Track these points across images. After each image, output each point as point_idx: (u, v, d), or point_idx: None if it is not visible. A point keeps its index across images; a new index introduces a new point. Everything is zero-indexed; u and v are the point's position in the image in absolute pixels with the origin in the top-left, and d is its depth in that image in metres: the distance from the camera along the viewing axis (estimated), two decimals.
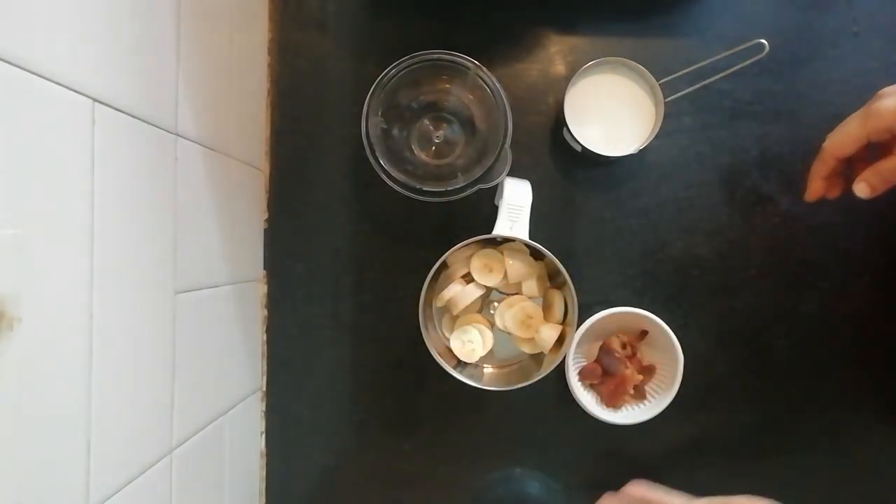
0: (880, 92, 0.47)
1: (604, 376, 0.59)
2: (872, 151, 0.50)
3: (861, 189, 0.50)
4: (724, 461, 0.63)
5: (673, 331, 0.56)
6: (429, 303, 0.57)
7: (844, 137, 0.49)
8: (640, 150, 0.57)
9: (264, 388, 0.63)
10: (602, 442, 0.63)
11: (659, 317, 0.57)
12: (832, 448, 0.63)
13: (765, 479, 0.63)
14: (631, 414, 0.58)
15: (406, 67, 0.52)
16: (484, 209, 0.61)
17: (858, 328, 0.62)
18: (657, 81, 0.57)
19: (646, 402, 0.59)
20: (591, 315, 0.56)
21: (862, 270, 0.62)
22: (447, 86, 0.56)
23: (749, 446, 0.63)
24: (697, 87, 0.58)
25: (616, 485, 0.64)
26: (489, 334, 0.58)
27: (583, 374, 0.59)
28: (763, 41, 0.55)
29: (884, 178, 0.49)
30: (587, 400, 0.58)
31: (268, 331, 0.63)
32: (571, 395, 0.57)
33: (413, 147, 0.58)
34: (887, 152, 0.49)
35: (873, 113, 0.46)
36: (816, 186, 0.53)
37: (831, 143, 0.50)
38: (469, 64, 0.52)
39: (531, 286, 0.57)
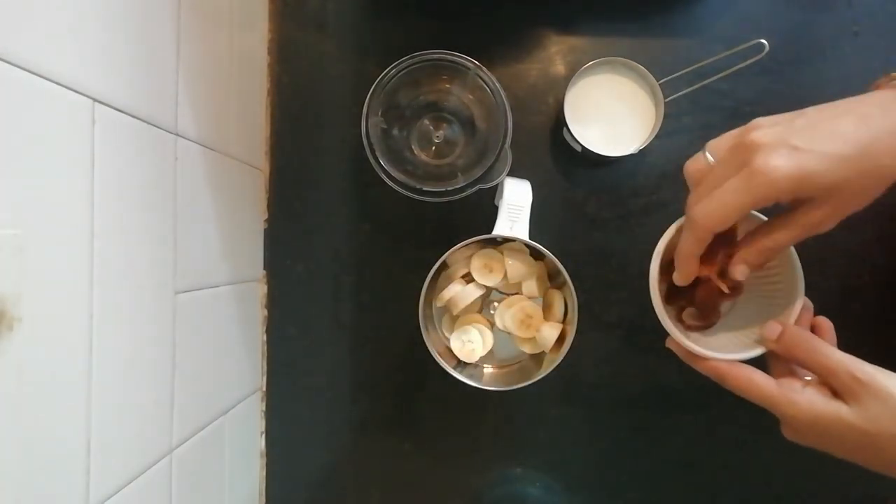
0: (754, 139, 0.35)
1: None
2: None
3: (741, 272, 0.40)
4: (725, 461, 0.63)
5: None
6: (429, 303, 0.57)
7: (724, 209, 0.36)
8: (640, 150, 0.57)
9: (264, 388, 0.63)
10: (602, 442, 0.63)
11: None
12: None
13: (770, 476, 0.63)
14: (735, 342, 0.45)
15: (406, 67, 0.52)
16: (484, 209, 0.61)
17: (858, 328, 0.62)
18: (657, 81, 0.57)
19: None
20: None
21: (862, 270, 0.62)
22: (447, 86, 0.56)
23: (750, 446, 0.63)
24: (697, 87, 0.58)
25: (616, 485, 0.64)
26: (489, 334, 0.58)
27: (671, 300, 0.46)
28: (763, 41, 0.55)
29: (767, 256, 0.39)
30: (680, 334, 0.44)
31: (268, 331, 0.63)
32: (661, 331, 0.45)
33: (413, 147, 0.58)
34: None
35: (759, 181, 0.34)
36: (690, 268, 0.41)
37: (706, 215, 0.37)
38: (469, 64, 0.52)
39: (531, 286, 0.57)
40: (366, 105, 0.52)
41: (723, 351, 0.43)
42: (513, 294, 0.59)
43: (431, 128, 0.58)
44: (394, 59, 0.52)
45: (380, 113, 0.53)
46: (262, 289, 0.63)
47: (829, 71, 0.61)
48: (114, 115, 0.37)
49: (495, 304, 0.59)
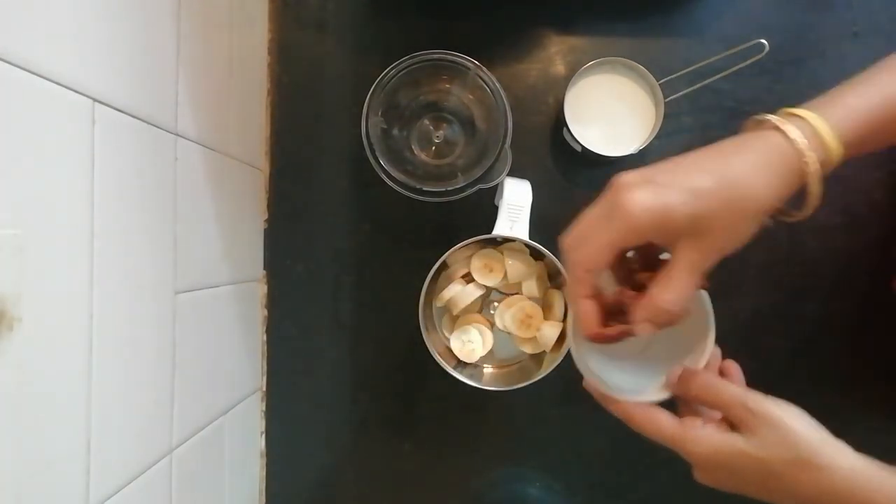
0: (617, 181, 0.35)
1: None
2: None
3: (645, 329, 0.38)
4: None
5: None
6: (429, 303, 0.57)
7: (593, 247, 0.36)
8: (640, 150, 0.57)
9: (264, 388, 0.63)
10: (602, 442, 0.63)
11: None
12: None
13: None
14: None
15: (406, 67, 0.52)
16: (484, 209, 0.61)
17: (858, 328, 0.62)
18: (657, 81, 0.57)
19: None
20: None
21: (862, 270, 0.62)
22: (447, 86, 0.56)
23: None
24: (697, 87, 0.58)
25: (616, 485, 0.64)
26: (489, 334, 0.58)
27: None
28: (763, 41, 0.55)
29: (664, 316, 0.37)
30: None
31: (268, 331, 0.63)
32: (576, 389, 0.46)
33: (413, 147, 0.58)
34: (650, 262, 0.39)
35: (622, 215, 0.34)
36: (588, 318, 0.39)
37: (577, 256, 0.37)
38: (469, 64, 0.52)
39: (531, 286, 0.57)
40: (366, 105, 0.52)
41: (636, 393, 0.44)
42: (513, 294, 0.59)
43: (431, 128, 0.58)
44: (394, 59, 0.52)
45: (380, 113, 0.53)
46: (262, 289, 0.63)
47: (829, 71, 0.61)
48: (114, 115, 0.37)
49: (495, 304, 0.59)
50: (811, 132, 0.35)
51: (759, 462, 0.37)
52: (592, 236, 0.36)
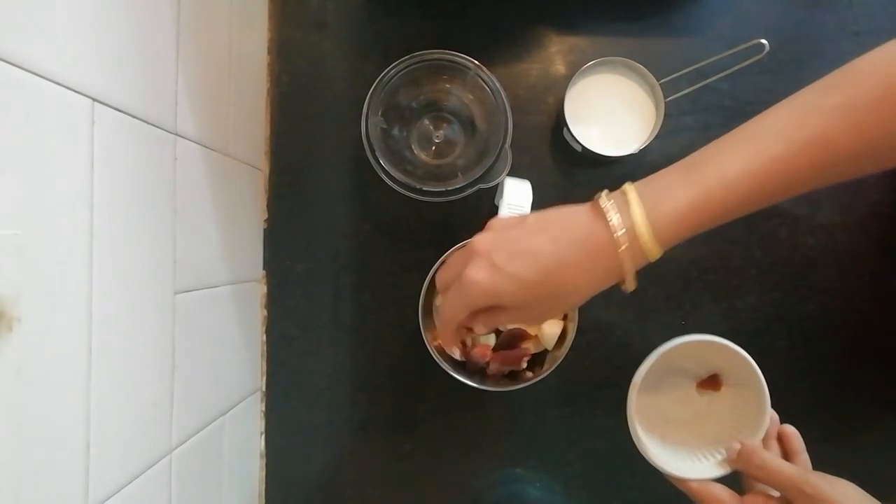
0: (472, 244, 0.41)
1: None
2: None
3: (493, 369, 0.53)
4: None
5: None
6: (429, 303, 0.57)
7: (452, 310, 0.41)
8: (640, 150, 0.57)
9: (264, 389, 0.63)
10: (602, 442, 0.63)
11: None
12: (832, 447, 0.63)
13: None
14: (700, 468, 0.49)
15: (406, 67, 0.52)
16: (484, 209, 0.61)
17: (858, 328, 0.62)
18: (658, 81, 0.57)
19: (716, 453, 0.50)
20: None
21: (862, 270, 0.62)
22: (447, 86, 0.56)
23: None
24: (698, 87, 0.57)
25: (616, 485, 0.64)
26: (490, 334, 0.58)
27: None
28: (763, 41, 0.55)
29: (506, 364, 0.52)
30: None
31: (268, 331, 0.63)
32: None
33: (413, 147, 0.58)
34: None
35: (465, 291, 0.39)
36: (450, 342, 0.52)
37: (443, 314, 0.43)
38: (469, 64, 0.52)
39: None
40: (366, 105, 0.52)
41: (698, 470, 0.48)
42: None
43: (431, 128, 0.58)
44: (394, 59, 0.52)
45: (380, 113, 0.53)
46: (262, 289, 0.63)
47: (829, 71, 0.61)
48: (113, 115, 0.37)
49: None
50: (630, 224, 0.37)
51: None
52: (449, 300, 0.41)
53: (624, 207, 0.37)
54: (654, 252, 0.37)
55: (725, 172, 0.36)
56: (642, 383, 0.48)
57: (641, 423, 0.48)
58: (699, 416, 0.52)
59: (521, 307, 0.40)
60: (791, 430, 0.49)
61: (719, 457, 0.48)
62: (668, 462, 0.48)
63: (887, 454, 0.63)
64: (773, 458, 0.44)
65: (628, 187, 0.39)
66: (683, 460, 0.49)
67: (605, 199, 0.38)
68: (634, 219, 0.37)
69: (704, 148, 0.38)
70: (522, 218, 0.41)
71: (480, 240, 0.41)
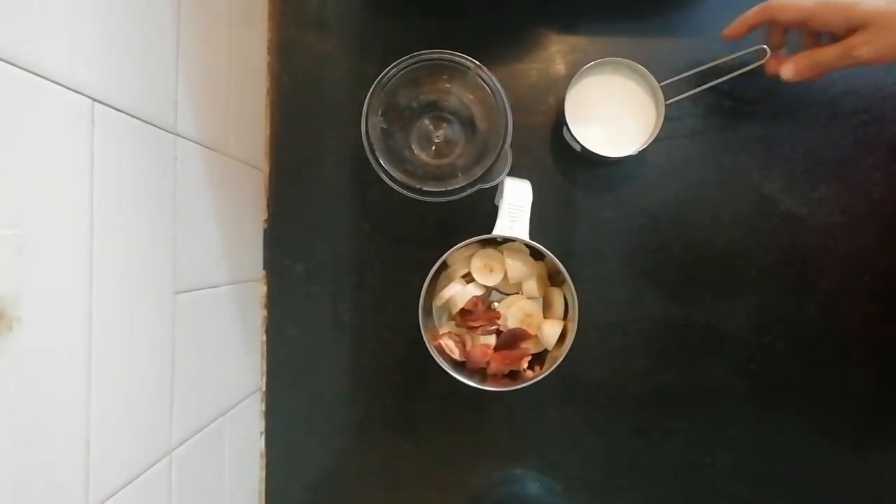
0: None
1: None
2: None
3: (786, 71, 0.51)
4: (725, 461, 0.63)
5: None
6: (429, 303, 0.57)
7: (791, 4, 0.49)
8: (641, 151, 0.57)
9: (264, 389, 0.63)
10: (602, 442, 0.63)
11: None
12: (832, 447, 0.63)
13: (769, 475, 0.63)
14: None
15: (406, 67, 0.52)
16: (484, 209, 0.61)
17: (858, 328, 0.62)
18: (658, 83, 0.57)
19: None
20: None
21: (862, 270, 0.62)
22: (447, 86, 0.56)
23: (749, 446, 0.63)
24: (699, 90, 0.58)
25: (616, 485, 0.64)
26: (490, 334, 0.58)
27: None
28: (765, 47, 0.55)
29: (814, 65, 0.50)
30: None
31: (268, 331, 0.63)
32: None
33: (413, 147, 0.58)
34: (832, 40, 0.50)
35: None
36: (738, 28, 0.54)
37: (778, 3, 0.50)
38: (469, 64, 0.52)
39: (531, 286, 0.57)
40: (366, 105, 0.52)
41: None
42: (513, 294, 0.59)
43: (431, 128, 0.58)
44: (394, 59, 0.52)
45: (380, 113, 0.53)
46: (261, 289, 0.63)
47: (831, 71, 0.61)
48: (113, 115, 0.37)
49: (495, 304, 0.59)
50: None
51: None
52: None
53: None
54: None
55: None
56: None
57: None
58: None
59: (875, 20, 0.45)
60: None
61: None
62: None
63: (887, 454, 0.63)
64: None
65: None
66: None
67: None
68: None
69: None
70: None
71: None
